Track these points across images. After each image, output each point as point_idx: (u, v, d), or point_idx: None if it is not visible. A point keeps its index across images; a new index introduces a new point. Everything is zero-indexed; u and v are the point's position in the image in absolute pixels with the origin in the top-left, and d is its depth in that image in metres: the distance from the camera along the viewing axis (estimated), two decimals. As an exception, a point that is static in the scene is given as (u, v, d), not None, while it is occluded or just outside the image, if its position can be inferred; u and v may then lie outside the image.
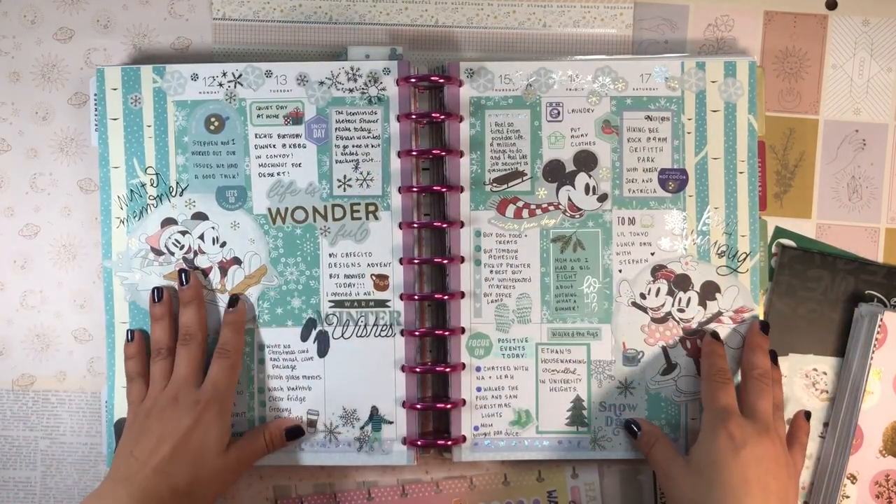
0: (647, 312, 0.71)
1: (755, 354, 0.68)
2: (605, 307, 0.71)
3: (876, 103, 0.73)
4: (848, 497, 0.71)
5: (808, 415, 0.71)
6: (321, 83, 0.70)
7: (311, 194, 0.70)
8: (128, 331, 0.70)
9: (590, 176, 0.71)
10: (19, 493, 0.73)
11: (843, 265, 0.72)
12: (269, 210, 0.70)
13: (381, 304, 0.70)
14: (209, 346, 0.69)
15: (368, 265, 0.70)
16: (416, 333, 0.70)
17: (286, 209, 0.70)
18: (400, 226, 0.70)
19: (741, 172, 0.70)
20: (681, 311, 0.71)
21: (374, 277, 0.70)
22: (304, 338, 0.70)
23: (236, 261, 0.71)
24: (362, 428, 0.70)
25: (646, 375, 0.71)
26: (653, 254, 0.71)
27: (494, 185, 0.71)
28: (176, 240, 0.71)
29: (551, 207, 0.71)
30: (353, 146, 0.70)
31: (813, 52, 0.73)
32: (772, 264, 0.73)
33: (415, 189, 0.70)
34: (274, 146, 0.70)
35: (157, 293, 0.69)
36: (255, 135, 0.70)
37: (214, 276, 0.71)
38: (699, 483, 0.63)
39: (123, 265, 0.71)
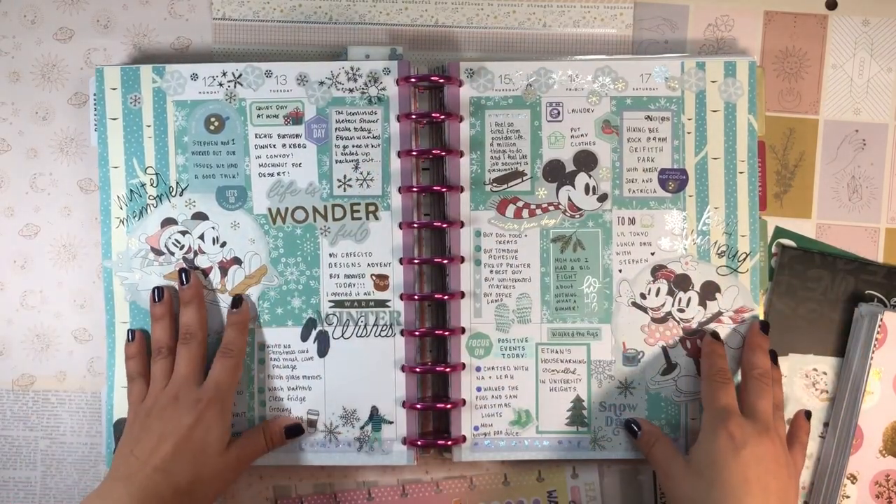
0: (647, 312, 0.71)
1: (755, 354, 0.68)
2: (605, 307, 0.71)
3: (876, 103, 0.73)
4: (848, 497, 0.71)
5: (808, 414, 0.71)
6: (321, 83, 0.70)
7: (312, 194, 0.70)
8: (128, 330, 0.70)
9: (590, 176, 0.71)
10: (19, 493, 0.73)
11: (843, 265, 0.72)
12: (270, 210, 0.70)
13: (381, 304, 0.70)
14: (209, 345, 0.69)
15: (368, 265, 0.70)
16: (416, 333, 0.70)
17: (286, 209, 0.70)
18: (400, 226, 0.70)
19: (741, 172, 0.70)
20: (681, 311, 0.71)
21: (374, 277, 0.70)
22: (305, 338, 0.70)
23: (236, 261, 0.71)
24: (362, 428, 0.70)
25: (646, 375, 0.71)
26: (653, 254, 0.71)
27: (494, 185, 0.71)
28: (176, 240, 0.71)
29: (551, 207, 0.71)
30: (353, 146, 0.70)
31: (813, 52, 0.73)
32: (772, 264, 0.73)
33: (415, 189, 0.70)
34: (274, 146, 0.70)
35: (158, 293, 0.69)
36: (255, 135, 0.70)
37: (214, 276, 0.71)
38: (699, 483, 0.63)
39: (123, 265, 0.71)
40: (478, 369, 0.70)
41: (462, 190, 0.70)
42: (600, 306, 0.71)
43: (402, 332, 0.70)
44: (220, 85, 0.70)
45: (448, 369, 0.69)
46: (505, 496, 0.72)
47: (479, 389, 0.70)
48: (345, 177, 0.70)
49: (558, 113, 0.71)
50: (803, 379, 0.72)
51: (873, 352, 0.69)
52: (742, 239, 0.70)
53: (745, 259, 0.70)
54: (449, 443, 0.70)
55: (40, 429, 0.73)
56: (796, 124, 0.73)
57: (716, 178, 0.70)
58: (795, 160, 0.73)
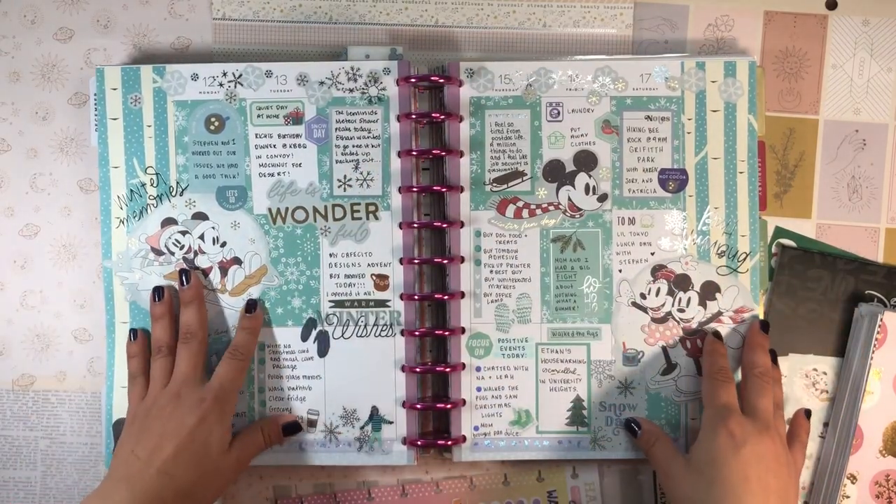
0: (647, 312, 0.71)
1: (755, 353, 0.68)
2: (605, 307, 0.71)
3: (876, 103, 0.73)
4: (848, 497, 0.71)
5: (808, 413, 0.71)
6: (321, 83, 0.70)
7: (312, 194, 0.70)
8: (130, 329, 0.70)
9: (590, 176, 0.71)
10: (19, 493, 0.73)
11: (843, 265, 0.72)
12: (270, 210, 0.70)
13: (382, 304, 0.70)
14: (209, 345, 0.69)
15: (368, 265, 0.70)
16: (416, 333, 0.70)
17: (286, 209, 0.70)
18: (400, 226, 0.70)
19: (741, 172, 0.70)
20: (681, 310, 0.71)
21: (374, 277, 0.70)
22: (305, 338, 0.70)
23: (236, 261, 0.71)
24: (362, 428, 0.70)
25: (646, 375, 0.71)
26: (653, 254, 0.71)
27: (494, 185, 0.71)
28: (176, 240, 0.71)
29: (551, 207, 0.71)
30: (354, 146, 0.70)
31: (813, 52, 0.73)
32: (772, 264, 0.73)
33: (415, 189, 0.70)
34: (274, 146, 0.70)
35: (158, 293, 0.69)
36: (256, 135, 0.70)
37: (215, 276, 0.71)
38: (699, 481, 0.63)
39: (123, 265, 0.71)
40: (478, 369, 0.70)
41: (462, 190, 0.70)
42: (600, 306, 0.71)
43: (402, 332, 0.70)
44: (221, 85, 0.70)
45: (448, 369, 0.69)
46: (505, 496, 0.72)
47: (479, 389, 0.70)
48: (345, 177, 0.70)
49: (558, 113, 0.71)
50: (803, 379, 0.72)
51: (873, 352, 0.69)
52: (742, 239, 0.70)
53: (745, 259, 0.70)
54: (449, 443, 0.70)
55: (40, 429, 0.73)
56: (796, 124, 0.73)
57: (716, 178, 0.70)
58: (795, 160, 0.73)
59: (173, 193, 0.70)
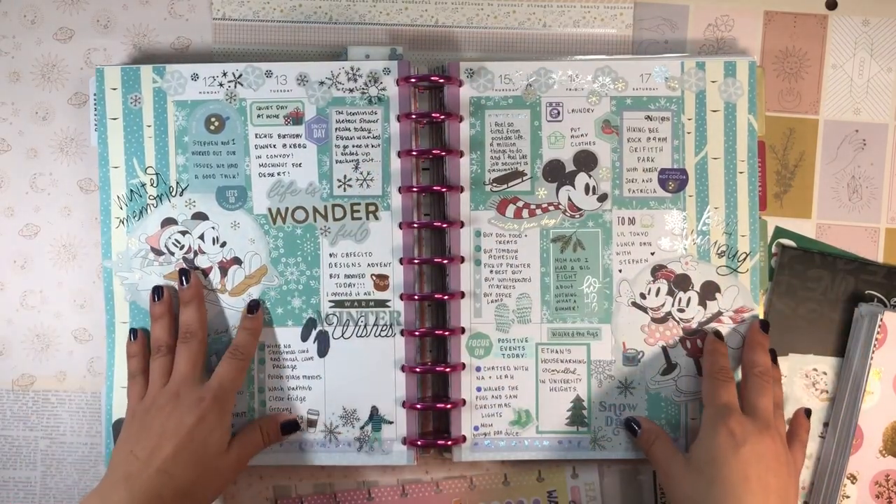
0: (647, 312, 0.71)
1: (755, 352, 0.68)
2: (605, 307, 0.71)
3: (876, 103, 0.73)
4: (848, 497, 0.71)
5: (808, 412, 0.71)
6: (321, 83, 0.70)
7: (312, 194, 0.70)
8: (130, 329, 0.70)
9: (590, 176, 0.71)
10: (19, 493, 0.73)
11: (843, 265, 0.72)
12: (270, 210, 0.70)
13: (381, 304, 0.70)
14: (209, 345, 0.69)
15: (368, 265, 0.70)
16: (416, 333, 0.70)
17: (286, 209, 0.70)
18: (400, 226, 0.70)
19: (741, 172, 0.70)
20: (681, 310, 0.71)
21: (374, 277, 0.70)
22: (305, 338, 0.70)
23: (236, 261, 0.71)
24: (362, 428, 0.70)
25: (646, 375, 0.71)
26: (653, 254, 0.71)
27: (494, 185, 0.71)
28: (176, 240, 0.71)
29: (551, 207, 0.71)
30: (354, 146, 0.70)
31: (813, 52, 0.73)
32: (772, 264, 0.73)
33: (415, 189, 0.70)
34: (274, 146, 0.70)
35: (157, 292, 0.69)
36: (256, 135, 0.70)
37: (214, 276, 0.71)
38: (699, 480, 0.63)
39: (123, 265, 0.71)
40: (478, 369, 0.70)
41: (462, 190, 0.70)
42: (600, 306, 0.71)
43: (402, 332, 0.70)
44: (221, 85, 0.70)
45: (448, 369, 0.69)
46: (505, 496, 0.72)
47: (479, 389, 0.70)
48: (345, 177, 0.70)
49: (558, 113, 0.71)
50: (803, 379, 0.72)
51: (873, 352, 0.69)
52: (742, 239, 0.70)
53: (745, 259, 0.70)
54: (449, 443, 0.70)
55: (40, 429, 0.73)
56: (796, 124, 0.73)
57: (716, 178, 0.70)
58: (795, 160, 0.73)
59: (173, 193, 0.70)
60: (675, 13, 0.73)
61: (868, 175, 0.73)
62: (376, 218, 0.70)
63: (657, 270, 0.71)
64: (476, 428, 0.70)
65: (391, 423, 0.70)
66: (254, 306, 0.70)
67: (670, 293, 0.71)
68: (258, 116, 0.70)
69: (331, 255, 0.70)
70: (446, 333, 0.69)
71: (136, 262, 0.70)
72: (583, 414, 0.71)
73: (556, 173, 0.71)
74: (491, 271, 0.71)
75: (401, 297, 0.70)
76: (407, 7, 0.73)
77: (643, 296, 0.71)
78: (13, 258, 0.73)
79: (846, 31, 0.73)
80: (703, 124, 0.71)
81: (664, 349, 0.71)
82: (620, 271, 0.71)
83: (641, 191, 0.71)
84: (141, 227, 0.71)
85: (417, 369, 0.69)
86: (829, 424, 0.72)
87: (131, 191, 0.70)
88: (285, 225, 0.70)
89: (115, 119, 0.70)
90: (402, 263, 0.70)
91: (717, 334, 0.70)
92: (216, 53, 0.73)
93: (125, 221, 0.70)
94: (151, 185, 0.70)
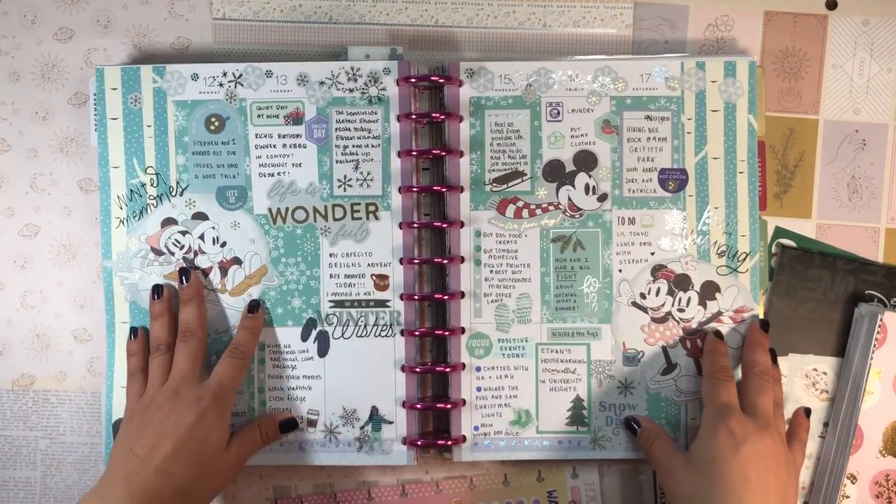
0: (647, 312, 0.71)
1: (756, 352, 0.68)
2: (605, 307, 0.71)
3: (876, 103, 0.73)
4: (848, 497, 0.71)
5: (807, 412, 0.71)
6: (321, 83, 0.70)
7: (312, 194, 0.70)
8: (130, 328, 0.70)
9: (590, 176, 0.71)
10: (19, 493, 0.73)
11: (843, 265, 0.72)
12: (270, 210, 0.70)
13: (382, 304, 0.70)
14: (209, 345, 0.69)
15: (368, 265, 0.70)
16: (416, 333, 0.70)
17: (286, 209, 0.70)
18: (400, 226, 0.70)
19: (741, 172, 0.70)
20: (681, 310, 0.71)
21: (374, 277, 0.70)
22: (305, 338, 0.70)
23: (236, 261, 0.71)
24: (362, 428, 0.70)
25: (646, 375, 0.71)
26: (653, 254, 0.71)
27: (494, 185, 0.71)
28: (176, 240, 0.71)
29: (551, 207, 0.71)
30: (354, 146, 0.70)
31: (813, 52, 0.73)
32: (772, 264, 0.73)
33: (415, 189, 0.70)
34: (274, 146, 0.70)
35: (157, 291, 0.69)
36: (256, 135, 0.70)
37: (215, 275, 0.71)
38: (699, 479, 0.63)
39: (123, 265, 0.71)
40: (478, 369, 0.70)
41: (462, 190, 0.70)
42: (600, 306, 0.71)
43: (402, 332, 0.70)
44: (221, 85, 0.70)
45: (448, 369, 0.69)
46: (505, 496, 0.72)
47: (479, 389, 0.70)
48: (345, 177, 0.70)
49: (558, 113, 0.71)
50: (803, 379, 0.72)
51: (873, 352, 0.69)
52: (742, 239, 0.70)
53: (745, 259, 0.70)
54: (449, 443, 0.70)
55: (40, 429, 0.73)
56: (796, 124, 0.73)
57: (716, 178, 0.70)
58: (795, 160, 0.73)
59: (173, 193, 0.70)
60: (675, 13, 0.73)
61: (868, 175, 0.73)
62: (376, 218, 0.70)
63: (657, 270, 0.71)
64: (476, 428, 0.70)
65: (391, 423, 0.70)
66: (254, 306, 0.70)
67: (670, 293, 0.71)
68: (258, 116, 0.70)
69: (331, 255, 0.70)
70: (446, 333, 0.69)
71: (136, 262, 0.70)
72: (583, 414, 0.71)
73: (556, 173, 0.71)
74: (491, 271, 0.71)
75: (401, 297, 0.70)
76: (407, 7, 0.73)
77: (643, 296, 0.71)
78: (13, 258, 0.73)
79: (846, 31, 0.73)
80: (703, 124, 0.71)
81: (664, 349, 0.71)
82: (620, 271, 0.71)
83: (641, 191, 0.71)
84: (141, 227, 0.71)
85: (417, 369, 0.69)
86: (829, 424, 0.72)
87: (131, 191, 0.70)
88: (285, 225, 0.70)
89: (115, 119, 0.70)
90: (402, 263, 0.70)
91: (717, 334, 0.70)
92: (216, 53, 0.73)
93: (125, 221, 0.70)
94: (151, 185, 0.70)
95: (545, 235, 0.71)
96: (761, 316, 0.71)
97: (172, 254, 0.71)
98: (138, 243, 0.70)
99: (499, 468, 0.73)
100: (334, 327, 0.70)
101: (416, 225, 0.70)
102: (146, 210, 0.70)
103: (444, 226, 0.70)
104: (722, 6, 0.73)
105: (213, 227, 0.71)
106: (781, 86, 0.73)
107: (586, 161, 0.71)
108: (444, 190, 0.70)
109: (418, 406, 0.69)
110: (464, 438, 0.70)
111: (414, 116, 0.69)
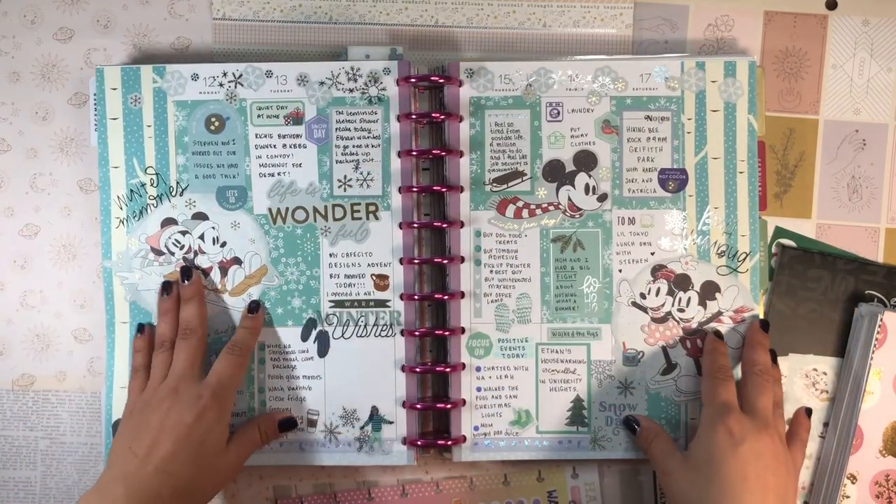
0: (647, 312, 0.71)
1: (755, 351, 0.68)
2: (605, 307, 0.71)
3: (876, 103, 0.73)
4: (848, 497, 0.71)
5: (808, 411, 0.71)
6: (321, 83, 0.70)
7: (312, 194, 0.70)
8: (139, 324, 0.70)
9: (590, 176, 0.71)
10: (19, 493, 0.73)
11: (843, 265, 0.72)
12: (270, 210, 0.70)
13: (382, 304, 0.70)
14: (209, 345, 0.69)
15: (369, 265, 0.70)
16: (416, 333, 0.70)
17: (286, 209, 0.70)
18: (400, 226, 0.70)
19: (741, 172, 0.70)
20: (681, 310, 0.71)
21: (374, 277, 0.70)
22: (305, 338, 0.70)
23: (237, 261, 0.71)
24: (362, 428, 0.70)
25: (646, 375, 0.71)
26: (653, 254, 0.71)
27: (494, 185, 0.71)
28: (176, 240, 0.71)
29: (551, 207, 0.71)
30: (354, 146, 0.70)
31: (813, 52, 0.73)
32: (772, 264, 0.73)
33: (415, 189, 0.70)
34: (274, 146, 0.70)
35: (167, 288, 0.69)
36: (256, 135, 0.70)
37: (215, 276, 0.71)
38: (697, 478, 0.63)
39: (123, 265, 0.71)
40: (478, 369, 0.70)
41: (462, 190, 0.70)
42: (600, 306, 0.71)
43: (402, 332, 0.70)
44: (221, 85, 0.70)
45: (448, 369, 0.69)
46: (505, 496, 0.72)
47: (479, 389, 0.70)
48: (345, 177, 0.70)
49: (558, 113, 0.71)
50: (803, 379, 0.72)
51: (873, 352, 0.69)
52: (742, 239, 0.70)
53: (745, 259, 0.70)
54: (449, 443, 0.70)
55: (40, 429, 0.73)
56: (796, 124, 0.73)
57: (716, 178, 0.70)
58: (795, 160, 0.73)
59: (173, 193, 0.70)
60: (675, 13, 0.73)
61: (868, 175, 0.73)
62: (376, 218, 0.70)
63: (657, 270, 0.71)
64: (476, 428, 0.70)
65: (391, 423, 0.70)
66: (254, 307, 0.70)
67: (670, 293, 0.71)
68: (258, 116, 0.70)
69: (331, 255, 0.70)
70: (446, 333, 0.69)
71: (136, 262, 0.70)
72: (583, 414, 0.71)
73: (556, 173, 0.71)
74: (491, 271, 0.71)
75: (401, 297, 0.70)
76: (407, 7, 0.73)
77: (643, 296, 0.71)
78: (13, 258, 0.73)
79: (846, 31, 0.73)
80: (703, 124, 0.71)
81: (664, 349, 0.71)
82: (620, 271, 0.71)
83: (641, 191, 0.71)
84: (141, 227, 0.71)
85: (417, 369, 0.69)
86: (829, 424, 0.72)
87: (131, 191, 0.70)
88: (285, 225, 0.70)
89: (115, 119, 0.70)
90: (402, 263, 0.70)
91: (717, 334, 0.70)
92: (216, 53, 0.73)
93: (125, 221, 0.70)
94: (151, 185, 0.70)
95: (545, 235, 0.71)
96: (761, 316, 0.71)
97: (172, 254, 0.71)
98: (138, 243, 0.70)
99: (499, 468, 0.73)
100: (334, 327, 0.70)
101: (416, 225, 0.70)
102: (146, 210, 0.70)
103: (444, 226, 0.70)
104: (722, 6, 0.73)
105: (213, 227, 0.71)
106: (781, 86, 0.73)
107: (586, 161, 0.71)
108: (444, 190, 0.70)
109: (418, 406, 0.69)
110: (464, 438, 0.70)
111: (414, 116, 0.69)
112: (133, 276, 0.71)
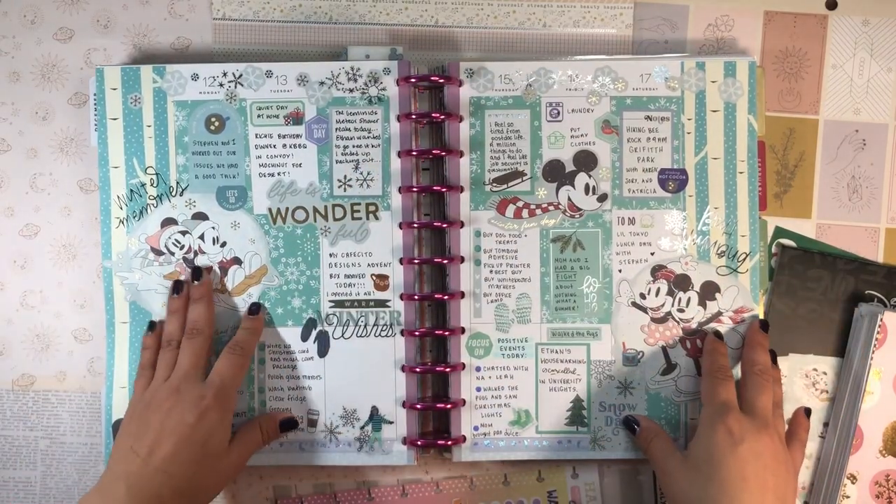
0: (646, 312, 0.71)
1: (755, 351, 0.68)
2: (605, 307, 0.71)
3: (876, 103, 0.73)
4: (848, 497, 0.71)
5: (807, 412, 0.71)
6: (321, 83, 0.70)
7: (312, 194, 0.70)
8: (150, 321, 0.70)
9: (590, 176, 0.71)
10: (19, 493, 0.73)
11: (843, 265, 0.72)
12: (270, 210, 0.70)
13: (382, 304, 0.70)
14: (214, 344, 0.69)
15: (369, 265, 0.70)
16: (416, 333, 0.70)
17: (286, 209, 0.70)
18: (400, 226, 0.70)
19: (741, 172, 0.70)
20: (681, 311, 0.71)
21: (374, 277, 0.70)
22: (305, 338, 0.70)
23: (236, 261, 0.71)
24: (362, 428, 0.70)
25: (646, 375, 0.71)
26: (653, 254, 0.71)
27: (494, 185, 0.71)
28: (176, 240, 0.71)
29: (551, 207, 0.71)
30: (354, 146, 0.70)
31: (813, 52, 0.73)
32: (772, 264, 0.73)
33: (415, 189, 0.70)
34: (274, 146, 0.70)
35: (178, 287, 0.69)
36: (256, 135, 0.70)
37: (215, 276, 0.71)
38: (697, 478, 0.63)
39: (123, 265, 0.71)
40: (478, 369, 0.70)
41: (462, 190, 0.70)
42: (600, 306, 0.71)
43: (402, 332, 0.70)
44: (221, 85, 0.70)
45: (448, 369, 0.70)
46: (505, 496, 0.72)
47: (478, 389, 0.70)
48: (345, 177, 0.70)
49: (558, 113, 0.71)
50: (803, 379, 0.72)
51: (873, 352, 0.69)
52: (742, 239, 0.70)
53: (744, 259, 0.70)
54: (449, 443, 0.70)
55: (40, 429, 0.73)
56: (796, 124, 0.73)
57: (716, 178, 0.70)
58: (795, 160, 0.73)
59: (173, 193, 0.71)
60: (675, 13, 0.73)
61: (868, 175, 0.73)
62: (376, 218, 0.70)
63: (657, 270, 0.71)
64: (476, 428, 0.70)
65: (391, 423, 0.70)
66: (255, 309, 0.70)
67: (670, 293, 0.71)
68: (258, 116, 0.70)
69: (331, 255, 0.70)
70: (446, 333, 0.69)
71: (136, 263, 0.70)
72: (582, 414, 0.71)
73: (556, 173, 0.71)
74: (491, 271, 0.71)
75: (401, 297, 0.70)
76: (407, 7, 0.73)
77: (643, 296, 0.71)
78: (13, 258, 0.73)
79: (846, 31, 0.73)
80: (703, 124, 0.71)
81: (664, 349, 0.71)
82: (620, 271, 0.71)
83: (641, 191, 0.71)
84: (141, 227, 0.71)
85: (417, 369, 0.69)
86: (829, 424, 0.72)
87: (131, 191, 0.70)
88: (285, 225, 0.70)
89: (115, 119, 0.71)
90: (402, 263, 0.70)
91: (717, 334, 0.70)
92: (216, 53, 0.73)
93: (125, 221, 0.70)
94: (151, 185, 0.70)
95: (545, 235, 0.71)
96: (761, 316, 0.71)
97: (172, 254, 0.71)
98: (138, 243, 0.70)
99: (499, 468, 0.73)
100: (334, 327, 0.70)
101: (416, 225, 0.70)
102: (146, 210, 0.70)
103: (444, 226, 0.70)
104: (722, 6, 0.73)
105: (213, 227, 0.71)
106: (781, 86, 0.73)
107: (586, 161, 0.71)
108: (444, 190, 0.70)
109: (418, 406, 0.69)
110: (464, 438, 0.70)
111: (414, 116, 0.69)
112: (133, 276, 0.71)
